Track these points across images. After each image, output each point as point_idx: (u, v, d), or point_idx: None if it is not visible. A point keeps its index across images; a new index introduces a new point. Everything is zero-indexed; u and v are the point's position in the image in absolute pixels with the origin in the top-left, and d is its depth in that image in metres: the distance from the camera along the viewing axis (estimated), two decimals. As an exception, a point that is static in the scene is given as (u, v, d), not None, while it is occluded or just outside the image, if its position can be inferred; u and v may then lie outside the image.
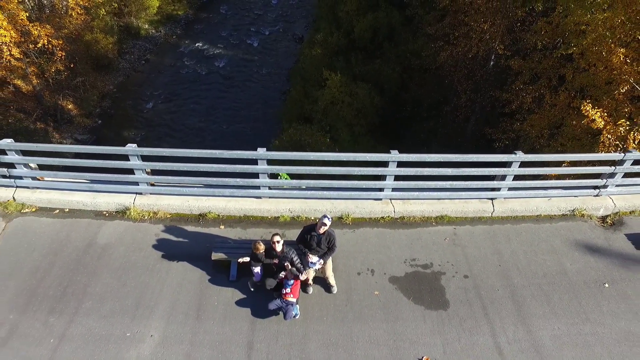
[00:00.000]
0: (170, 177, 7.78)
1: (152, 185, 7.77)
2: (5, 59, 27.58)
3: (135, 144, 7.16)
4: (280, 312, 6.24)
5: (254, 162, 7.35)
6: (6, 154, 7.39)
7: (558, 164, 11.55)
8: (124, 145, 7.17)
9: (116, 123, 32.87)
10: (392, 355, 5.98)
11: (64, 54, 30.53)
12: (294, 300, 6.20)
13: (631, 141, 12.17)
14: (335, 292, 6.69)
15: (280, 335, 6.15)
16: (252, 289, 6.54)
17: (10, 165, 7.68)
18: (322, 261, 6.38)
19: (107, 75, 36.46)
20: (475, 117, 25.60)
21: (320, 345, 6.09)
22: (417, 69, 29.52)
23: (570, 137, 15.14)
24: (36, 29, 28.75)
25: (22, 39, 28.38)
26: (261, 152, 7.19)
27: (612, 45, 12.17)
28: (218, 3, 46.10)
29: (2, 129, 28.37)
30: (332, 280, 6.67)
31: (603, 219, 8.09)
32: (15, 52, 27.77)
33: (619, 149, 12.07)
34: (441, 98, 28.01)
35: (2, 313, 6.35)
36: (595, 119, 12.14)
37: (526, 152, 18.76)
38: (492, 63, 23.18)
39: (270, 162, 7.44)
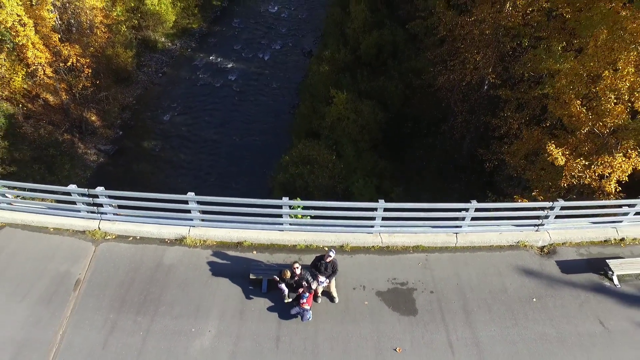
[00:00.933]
0: (215, 215, 10.73)
1: (202, 220, 10.74)
2: (40, 77, 30.75)
3: (194, 193, 10.10)
4: (299, 316, 9.16)
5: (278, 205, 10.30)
6: (98, 197, 10.39)
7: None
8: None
9: (136, 134, 35.96)
10: (375, 347, 8.89)
11: (90, 71, 33.63)
12: (309, 307, 9.12)
13: (587, 177, 14.93)
14: (337, 302, 9.61)
15: (298, 332, 9.09)
16: (283, 300, 9.41)
17: (99, 204, 10.67)
18: (328, 280, 9.29)
19: (127, 88, 39.47)
20: (470, 136, 28.33)
21: (326, 338, 9.01)
22: (418, 87, 32.17)
23: (547, 164, 17.81)
24: (66, 49, 31.84)
25: (54, 59, 31.48)
26: (285, 200, 10.12)
27: (572, 95, 14.90)
28: (231, 16, 49.05)
29: (35, 141, 31.58)
30: (334, 294, 9.58)
31: (541, 248, 10.91)
32: (49, 71, 30.94)
33: (574, 182, 14.83)
34: (440, 116, 30.77)
35: (105, 313, 9.35)
36: (557, 157, 14.89)
37: (509, 174, 21.43)
38: (485, 88, 25.83)
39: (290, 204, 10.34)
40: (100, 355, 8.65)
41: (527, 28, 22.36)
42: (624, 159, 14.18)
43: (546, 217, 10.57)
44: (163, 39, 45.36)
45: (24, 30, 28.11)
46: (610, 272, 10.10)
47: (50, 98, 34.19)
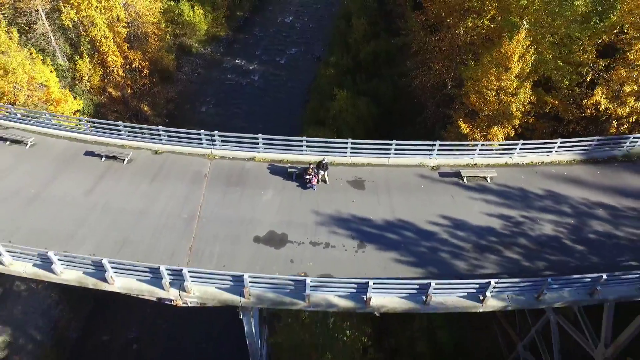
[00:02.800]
0: (269, 147, 23.38)
1: (265, 148, 23.41)
2: (114, 76, 44.09)
3: (261, 134, 22.77)
4: (310, 188, 21.80)
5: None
6: (213, 136, 23.14)
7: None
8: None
9: (179, 123, 48.99)
10: (344, 200, 21.35)
11: (147, 72, 47.02)
12: (315, 185, 21.73)
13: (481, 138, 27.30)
14: (327, 184, 22.20)
15: (310, 195, 21.61)
16: (305, 183, 21.96)
17: (212, 140, 23.45)
18: (323, 172, 21.91)
19: (170, 85, 52.68)
20: (439, 125, 40.80)
21: (322, 198, 21.53)
22: (402, 87, 44.81)
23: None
24: (132, 54, 45.27)
25: (123, 62, 44.89)
26: (304, 137, 22.81)
27: (471, 92, 27.42)
28: (252, 25, 62.56)
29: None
30: (327, 180, 22.18)
31: (432, 167, 23.39)
32: (120, 71, 44.30)
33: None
34: (418, 110, 43.34)
35: (221, 187, 21.99)
36: (463, 129, 27.37)
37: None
38: (449, 88, 38.29)
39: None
40: (222, 202, 21.30)
41: (471, 46, 34.86)
42: (500, 129, 26.68)
43: (433, 150, 23.09)
44: (197, 45, 58.82)
45: (106, 41, 41.46)
46: (462, 176, 22.55)
47: (114, 92, 47.15)
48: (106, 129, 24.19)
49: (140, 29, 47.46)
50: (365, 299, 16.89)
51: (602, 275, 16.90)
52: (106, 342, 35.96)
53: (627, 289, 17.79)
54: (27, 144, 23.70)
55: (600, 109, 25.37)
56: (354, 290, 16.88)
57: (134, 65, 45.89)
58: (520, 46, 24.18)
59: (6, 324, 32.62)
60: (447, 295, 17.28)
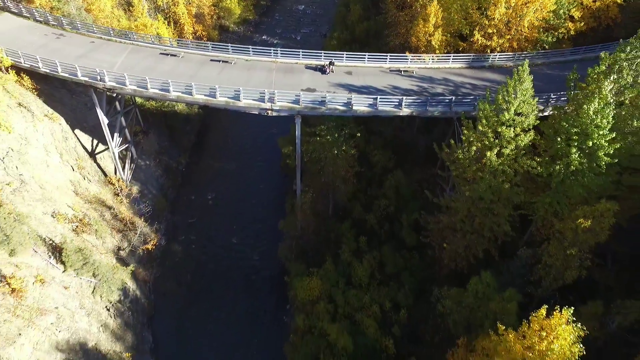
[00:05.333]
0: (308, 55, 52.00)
1: (302, 57, 51.93)
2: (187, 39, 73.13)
3: (278, 47, 51.31)
4: (327, 73, 50.34)
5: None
6: (277, 52, 51.71)
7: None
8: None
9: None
10: (341, 79, 49.65)
11: (205, 39, 76.23)
12: (328, 72, 50.26)
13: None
14: (334, 72, 50.79)
15: (328, 76, 50.02)
16: (324, 71, 50.49)
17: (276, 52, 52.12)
18: (332, 67, 50.44)
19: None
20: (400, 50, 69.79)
21: (331, 77, 49.91)
22: (386, 51, 73.78)
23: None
24: (196, 26, 74.80)
25: (192, 30, 74.20)
26: (322, 52, 51.38)
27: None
28: (273, 12, 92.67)
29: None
30: (334, 70, 50.72)
31: (387, 68, 51.88)
32: (191, 37, 73.54)
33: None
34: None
35: (281, 75, 50.46)
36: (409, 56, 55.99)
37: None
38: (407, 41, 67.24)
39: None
40: (283, 78, 49.71)
41: (417, 15, 64.05)
42: (427, 55, 55.51)
43: (386, 60, 51.65)
44: (232, 25, 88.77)
45: (184, 16, 70.90)
46: (401, 71, 51.06)
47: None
48: (220, 49, 52.91)
49: (200, 10, 77.05)
50: (350, 107, 45.25)
51: (452, 98, 45.40)
52: (192, 200, 64.55)
53: (468, 108, 46.06)
54: (179, 56, 52.40)
55: (479, 42, 54.29)
56: (345, 101, 45.32)
57: (197, 34, 75.22)
58: (434, 9, 53.11)
59: (138, 182, 60.72)
60: (386, 106, 45.63)
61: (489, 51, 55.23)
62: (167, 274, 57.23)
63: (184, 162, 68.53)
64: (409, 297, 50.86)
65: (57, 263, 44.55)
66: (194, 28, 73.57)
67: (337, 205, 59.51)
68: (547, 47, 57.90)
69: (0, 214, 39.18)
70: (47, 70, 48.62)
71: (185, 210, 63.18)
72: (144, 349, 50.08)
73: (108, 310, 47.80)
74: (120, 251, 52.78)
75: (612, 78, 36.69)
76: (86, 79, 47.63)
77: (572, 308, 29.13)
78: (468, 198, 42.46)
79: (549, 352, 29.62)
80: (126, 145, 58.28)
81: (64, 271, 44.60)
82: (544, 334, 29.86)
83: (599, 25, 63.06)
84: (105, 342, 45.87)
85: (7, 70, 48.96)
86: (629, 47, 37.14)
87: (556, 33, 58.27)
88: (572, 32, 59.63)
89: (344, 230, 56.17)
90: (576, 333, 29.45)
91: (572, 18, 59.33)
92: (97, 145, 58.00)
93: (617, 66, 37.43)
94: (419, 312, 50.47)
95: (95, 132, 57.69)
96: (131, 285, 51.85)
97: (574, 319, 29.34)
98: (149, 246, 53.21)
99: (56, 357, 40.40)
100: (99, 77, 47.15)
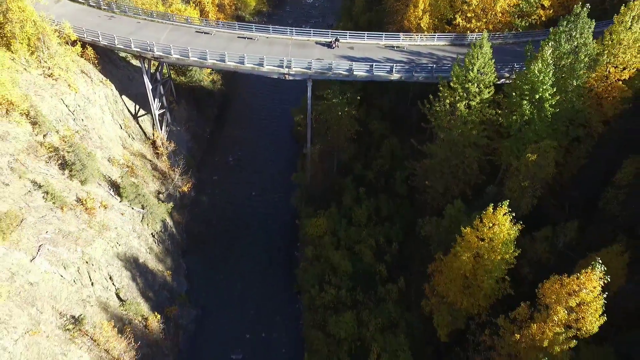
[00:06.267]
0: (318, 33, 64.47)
1: (313, 34, 64.33)
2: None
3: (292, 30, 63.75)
4: (332, 48, 62.68)
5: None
6: (292, 31, 64.13)
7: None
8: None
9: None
10: (345, 52, 61.91)
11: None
12: (334, 47, 62.58)
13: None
14: (339, 47, 63.11)
15: (332, 50, 62.32)
16: (331, 45, 62.94)
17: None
18: (337, 42, 62.82)
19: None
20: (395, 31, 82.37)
21: (337, 51, 62.17)
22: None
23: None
24: (219, 14, 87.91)
25: (215, 18, 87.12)
26: (330, 31, 63.77)
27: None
28: (284, 4, 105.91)
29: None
30: (339, 46, 63.03)
31: (383, 44, 64.12)
32: (214, 23, 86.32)
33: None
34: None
35: (296, 49, 62.85)
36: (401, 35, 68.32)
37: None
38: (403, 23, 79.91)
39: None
40: (297, 51, 62.09)
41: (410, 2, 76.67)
42: (416, 34, 67.91)
43: (382, 37, 63.94)
44: (248, 16, 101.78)
45: (208, 4, 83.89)
46: (394, 46, 63.33)
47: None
48: (245, 28, 65.49)
49: (222, 1, 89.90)
50: (352, 72, 57.59)
51: (434, 65, 57.71)
52: (216, 161, 77.22)
53: (446, 74, 58.29)
54: (211, 34, 65.03)
55: (461, 25, 66.61)
56: (347, 68, 57.68)
57: (220, 20, 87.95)
58: (422, -3, 65.63)
59: (173, 138, 73.15)
60: (380, 72, 57.91)
61: (468, 32, 67.53)
62: (196, 219, 69.53)
63: (208, 130, 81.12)
64: (400, 234, 62.97)
65: (115, 195, 56.93)
66: (216, 16, 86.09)
67: (341, 164, 71.65)
68: (520, 30, 70.15)
69: (80, 148, 51.67)
70: (106, 43, 61.27)
71: (210, 169, 75.64)
72: (180, 273, 62.30)
73: (153, 236, 60.09)
74: (160, 194, 65.09)
75: (550, 44, 48.72)
76: (138, 49, 60.18)
77: (508, 201, 41.17)
78: (445, 143, 54.55)
79: (494, 237, 41.75)
80: (163, 110, 70.69)
81: (120, 201, 56.94)
82: (491, 224, 41.93)
83: (567, 13, 75.28)
84: (151, 261, 58.07)
85: (73, 44, 61.50)
86: (565, 22, 49.31)
87: (529, 19, 70.55)
88: (543, 19, 71.91)
89: (346, 183, 68.35)
90: (516, 229, 41.41)
91: (543, 6, 71.60)
92: (138, 110, 70.50)
93: (556, 36, 49.59)
94: (407, 246, 62.59)
95: (137, 99, 70.27)
96: (169, 222, 64.19)
97: (509, 210, 41.24)
98: (185, 188, 65.67)
99: (118, 263, 52.67)
100: (148, 48, 59.66)
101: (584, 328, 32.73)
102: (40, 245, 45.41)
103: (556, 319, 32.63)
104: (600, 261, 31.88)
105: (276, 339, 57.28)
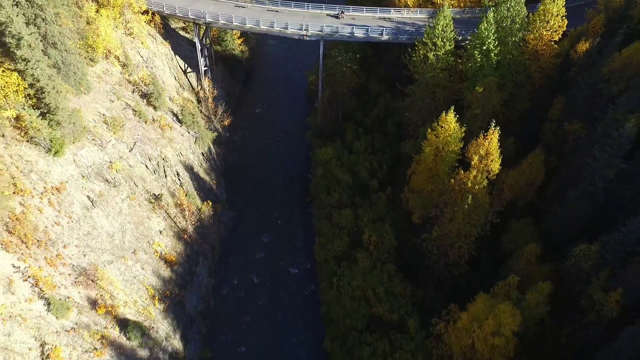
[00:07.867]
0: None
1: (325, 8, 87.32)
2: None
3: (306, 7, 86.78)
4: (338, 18, 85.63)
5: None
6: (308, 4, 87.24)
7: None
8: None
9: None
10: (349, 21, 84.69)
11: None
12: (341, 17, 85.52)
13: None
14: (344, 18, 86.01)
15: (339, 20, 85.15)
16: (338, 15, 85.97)
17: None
18: (343, 14, 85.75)
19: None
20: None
21: (343, 20, 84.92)
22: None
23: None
24: None
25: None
26: (338, 5, 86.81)
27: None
28: None
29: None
30: (344, 17, 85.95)
31: (377, 17, 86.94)
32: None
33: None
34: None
35: (312, 19, 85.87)
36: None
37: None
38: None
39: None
40: (311, 19, 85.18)
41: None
42: (404, 8, 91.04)
43: (377, 11, 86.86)
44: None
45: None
46: (386, 19, 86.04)
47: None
48: (272, 2, 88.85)
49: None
50: (353, 34, 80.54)
51: (414, 30, 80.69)
52: (245, 111, 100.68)
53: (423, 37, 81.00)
54: (247, 8, 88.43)
55: (439, 2, 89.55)
56: (350, 31, 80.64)
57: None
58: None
59: (212, 91, 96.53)
60: (374, 34, 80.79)
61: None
62: (230, 153, 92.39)
63: (238, 89, 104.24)
64: (389, 160, 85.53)
65: (176, 121, 79.90)
66: None
67: (344, 114, 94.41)
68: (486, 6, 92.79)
69: (157, 82, 74.77)
70: (169, 12, 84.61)
71: (241, 117, 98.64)
72: (220, 186, 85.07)
73: (203, 155, 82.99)
74: (205, 128, 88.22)
75: (491, 9, 71.44)
76: (194, 17, 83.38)
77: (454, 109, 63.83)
78: (420, 83, 77.16)
79: (446, 134, 64.30)
80: (206, 68, 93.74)
81: (180, 126, 79.90)
82: (443, 125, 64.43)
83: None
84: (202, 172, 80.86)
85: (144, 13, 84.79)
86: (505, -4, 72.21)
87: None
88: None
89: (349, 125, 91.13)
90: (463, 130, 63.88)
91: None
92: (187, 67, 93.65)
93: (500, 7, 72.39)
94: (395, 169, 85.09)
95: (186, 59, 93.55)
96: (213, 149, 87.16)
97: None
98: (225, 123, 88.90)
99: (180, 167, 75.52)
100: (201, 15, 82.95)
101: (492, 172, 55.12)
102: (134, 142, 68.41)
103: (473, 164, 55.01)
104: (495, 122, 54.49)
105: (294, 230, 79.91)
